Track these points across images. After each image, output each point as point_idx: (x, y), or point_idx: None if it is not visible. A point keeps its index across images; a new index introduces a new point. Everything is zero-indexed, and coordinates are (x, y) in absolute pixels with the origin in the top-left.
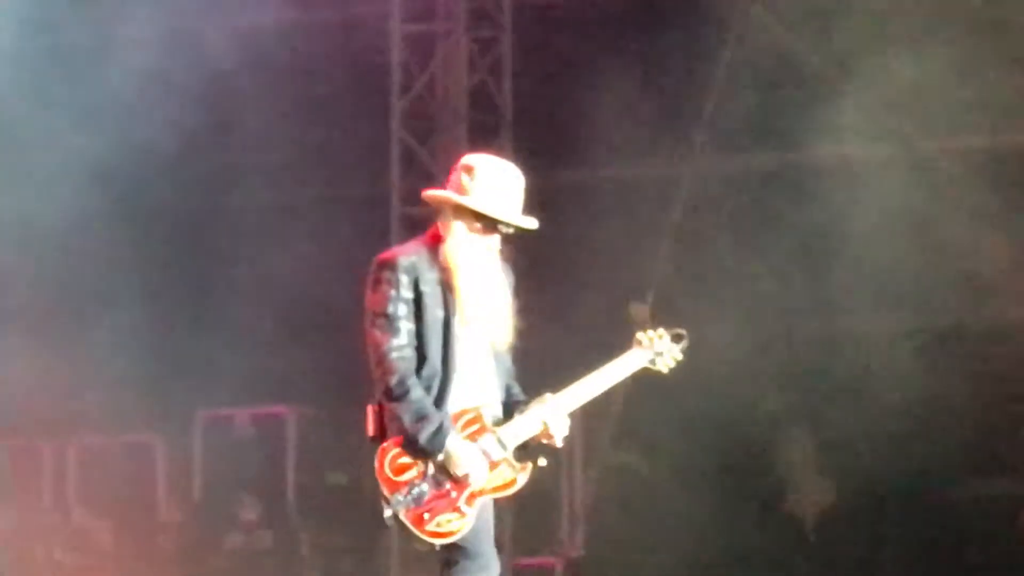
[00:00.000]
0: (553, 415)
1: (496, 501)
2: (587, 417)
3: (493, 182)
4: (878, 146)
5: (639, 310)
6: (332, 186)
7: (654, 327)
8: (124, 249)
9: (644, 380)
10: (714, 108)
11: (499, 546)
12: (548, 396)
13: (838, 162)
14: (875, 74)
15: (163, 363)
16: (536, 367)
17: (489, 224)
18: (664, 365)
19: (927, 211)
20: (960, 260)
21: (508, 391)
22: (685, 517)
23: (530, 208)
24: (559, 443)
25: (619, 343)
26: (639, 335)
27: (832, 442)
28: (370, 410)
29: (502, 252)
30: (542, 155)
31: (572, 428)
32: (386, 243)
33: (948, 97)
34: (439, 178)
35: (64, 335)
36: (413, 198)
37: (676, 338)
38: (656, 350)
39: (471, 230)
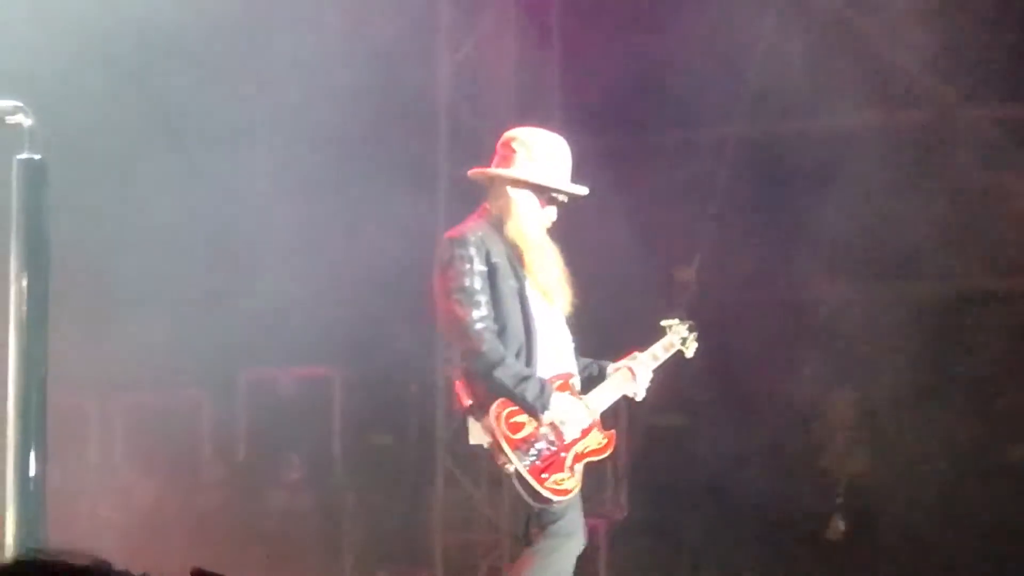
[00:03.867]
0: (639, 374)
1: None
2: None
3: (543, 153)
4: (917, 113)
5: (685, 273)
6: (380, 149)
7: (699, 291)
8: (169, 208)
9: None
10: (763, 72)
11: None
12: (615, 365)
13: (883, 128)
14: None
15: (208, 323)
16: (581, 333)
17: (545, 195)
18: (689, 350)
19: (978, 177)
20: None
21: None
22: (726, 477)
23: (578, 173)
24: (641, 396)
25: (661, 309)
26: (664, 322)
27: (873, 406)
28: (458, 385)
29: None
30: (591, 120)
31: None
32: (434, 206)
33: None
34: (486, 147)
35: (110, 295)
36: (460, 162)
37: (691, 327)
38: (681, 335)
39: (529, 205)
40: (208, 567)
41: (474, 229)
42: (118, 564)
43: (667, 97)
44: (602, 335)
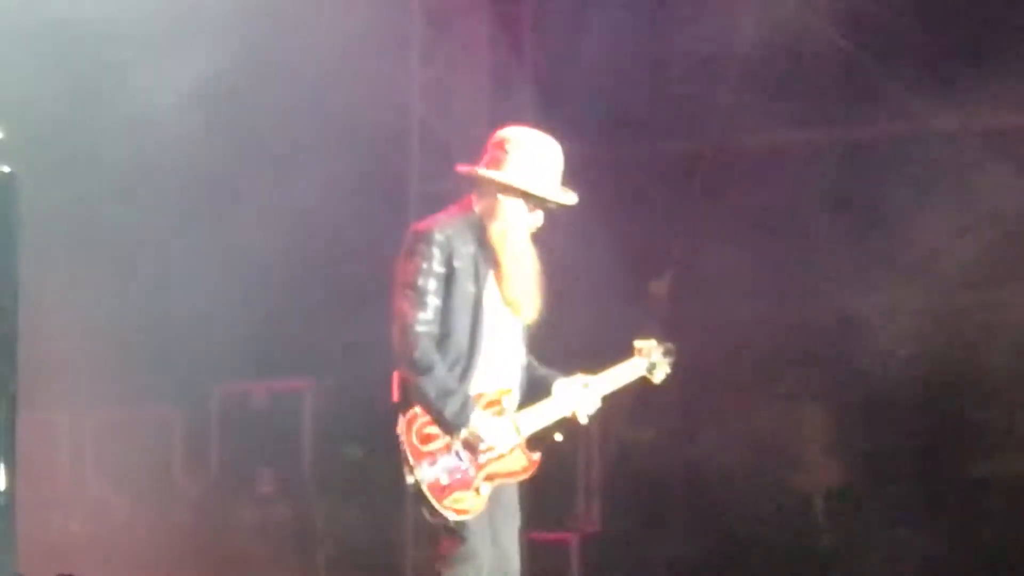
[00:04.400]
0: (582, 399)
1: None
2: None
3: (534, 157)
4: (902, 124)
5: (657, 287)
6: (348, 163)
7: (671, 304)
8: (139, 220)
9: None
10: (741, 82)
11: None
12: (562, 383)
13: (868, 139)
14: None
15: (180, 337)
16: (552, 342)
17: (533, 200)
18: (657, 376)
19: (958, 189)
20: (982, 238)
21: (528, 367)
22: (700, 493)
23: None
24: (583, 420)
25: (634, 319)
26: (637, 343)
27: (846, 420)
28: (396, 376)
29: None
30: (565, 132)
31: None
32: (405, 220)
33: None
34: (458, 156)
35: (83, 307)
36: (431, 175)
37: (667, 352)
38: (652, 360)
39: (516, 209)
40: None
41: (444, 226)
42: None
43: (642, 109)
44: (569, 346)
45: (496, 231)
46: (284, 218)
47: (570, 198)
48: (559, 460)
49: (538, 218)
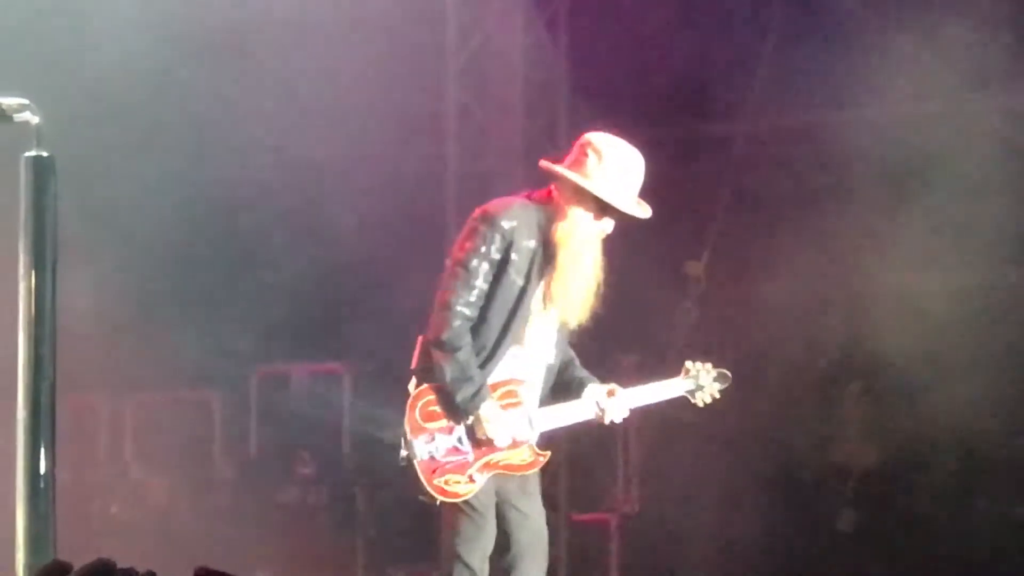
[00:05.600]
0: (608, 409)
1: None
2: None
3: (620, 169)
4: (927, 104)
5: (694, 267)
6: (389, 144)
7: (707, 283)
8: (180, 206)
9: (699, 337)
10: (774, 64)
11: (554, 503)
12: (593, 390)
13: (897, 119)
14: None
15: (221, 319)
16: (589, 329)
17: (607, 210)
18: (701, 399)
19: (986, 168)
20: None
21: (569, 365)
22: (739, 473)
23: None
24: (607, 422)
25: (670, 304)
26: (688, 364)
27: (887, 400)
28: (420, 340)
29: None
30: (598, 113)
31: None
32: (442, 202)
33: None
34: (494, 137)
35: (122, 292)
36: (469, 155)
37: (720, 378)
38: (700, 382)
39: (587, 214)
40: (220, 564)
41: (514, 215)
42: (129, 562)
43: (676, 90)
44: (606, 327)
45: (562, 230)
46: (324, 201)
47: (645, 211)
48: (599, 443)
49: (608, 226)
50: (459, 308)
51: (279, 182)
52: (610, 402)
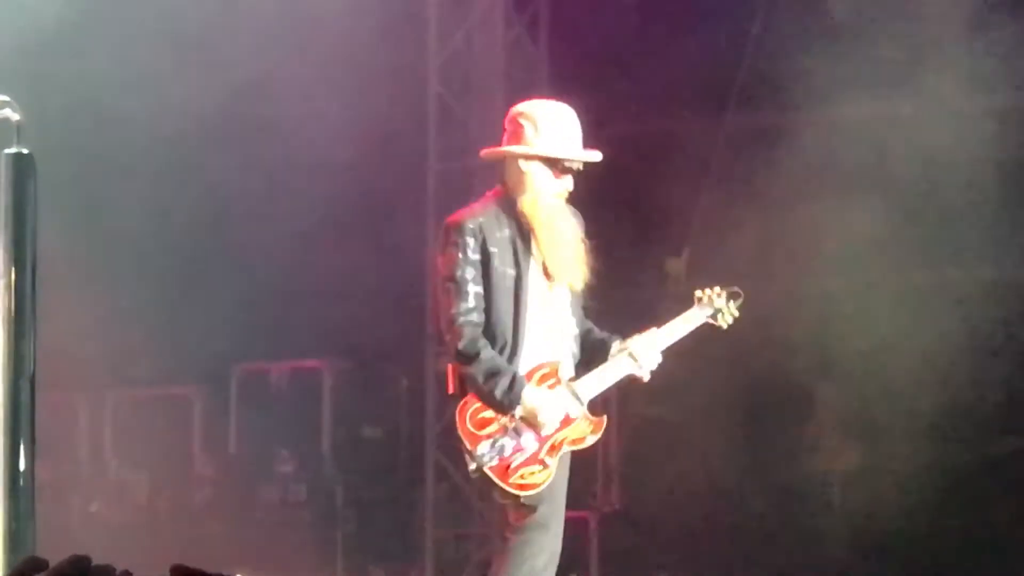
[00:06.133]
0: (640, 354)
1: None
2: None
3: (552, 123)
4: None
5: (674, 264)
6: (370, 142)
7: (687, 281)
8: (160, 203)
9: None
10: (753, 61)
11: None
12: (620, 344)
13: (872, 116)
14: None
15: (200, 316)
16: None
17: (558, 165)
18: (723, 321)
19: (961, 165)
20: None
21: (588, 333)
22: (718, 472)
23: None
24: (646, 378)
25: (654, 298)
26: (698, 293)
27: (863, 399)
28: (449, 368)
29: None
30: (578, 111)
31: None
32: (423, 196)
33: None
34: (475, 134)
35: (101, 288)
36: (450, 154)
37: (733, 296)
38: (715, 305)
39: (543, 177)
40: (200, 561)
41: (476, 214)
42: (109, 560)
43: (657, 83)
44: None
45: (527, 202)
46: (302, 197)
47: (594, 155)
48: None
49: (568, 182)
50: (463, 318)
51: (260, 180)
52: (643, 352)
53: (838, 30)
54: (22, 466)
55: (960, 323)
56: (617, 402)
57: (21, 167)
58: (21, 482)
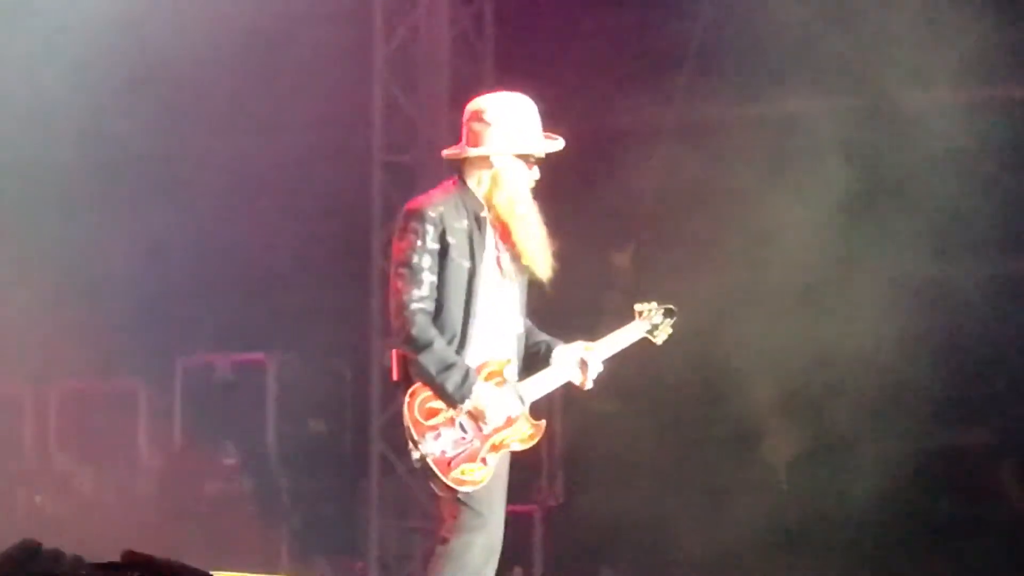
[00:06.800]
0: (583, 363)
1: None
2: None
3: (512, 118)
4: (855, 97)
5: (620, 258)
6: (313, 135)
7: (635, 275)
8: (102, 195)
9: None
10: (698, 55)
11: None
12: (562, 350)
13: (818, 112)
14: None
15: (144, 309)
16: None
17: (529, 159)
18: (659, 338)
19: (898, 159)
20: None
21: (531, 334)
22: (663, 466)
23: None
24: (589, 386)
25: (600, 296)
26: (638, 307)
27: (804, 392)
28: (394, 354)
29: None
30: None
31: None
32: (369, 192)
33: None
34: (421, 127)
35: (45, 281)
36: (395, 146)
37: (668, 313)
38: (653, 321)
39: (515, 172)
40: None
41: (436, 203)
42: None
43: (601, 83)
44: (535, 319)
45: (502, 201)
46: (248, 190)
47: (558, 144)
48: None
49: (535, 173)
50: (415, 305)
51: (205, 172)
52: (586, 360)
53: (787, 21)
54: None
55: (908, 317)
56: (562, 396)
57: None
58: None
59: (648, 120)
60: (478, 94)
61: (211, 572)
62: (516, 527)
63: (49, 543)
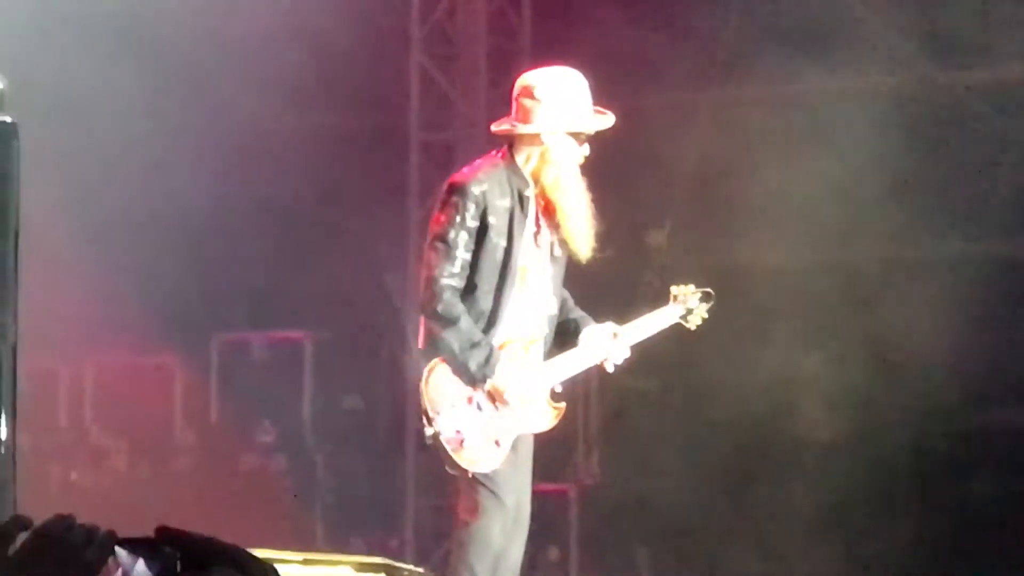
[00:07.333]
0: (611, 346)
1: None
2: None
3: (564, 95)
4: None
5: (656, 236)
6: (351, 113)
7: (670, 252)
8: (144, 173)
9: (660, 305)
10: (734, 34)
11: None
12: (591, 330)
13: (857, 92)
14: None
15: (181, 286)
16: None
17: (580, 137)
18: (692, 322)
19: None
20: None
21: (566, 311)
22: (698, 443)
23: None
24: (610, 369)
25: (635, 275)
26: (674, 290)
27: (844, 372)
28: (423, 321)
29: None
30: None
31: None
32: (405, 170)
33: None
34: (458, 105)
35: (83, 257)
36: (432, 125)
37: (705, 297)
38: (688, 305)
39: (561, 149)
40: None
41: (482, 179)
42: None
43: (640, 61)
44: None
45: (549, 178)
46: (286, 168)
47: (608, 120)
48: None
49: (585, 150)
50: (444, 280)
51: (241, 150)
52: (614, 344)
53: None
54: (3, 434)
55: (946, 296)
56: (597, 374)
57: (4, 135)
58: (2, 450)
59: (686, 98)
60: (515, 71)
61: (246, 548)
62: (551, 506)
63: (83, 518)
